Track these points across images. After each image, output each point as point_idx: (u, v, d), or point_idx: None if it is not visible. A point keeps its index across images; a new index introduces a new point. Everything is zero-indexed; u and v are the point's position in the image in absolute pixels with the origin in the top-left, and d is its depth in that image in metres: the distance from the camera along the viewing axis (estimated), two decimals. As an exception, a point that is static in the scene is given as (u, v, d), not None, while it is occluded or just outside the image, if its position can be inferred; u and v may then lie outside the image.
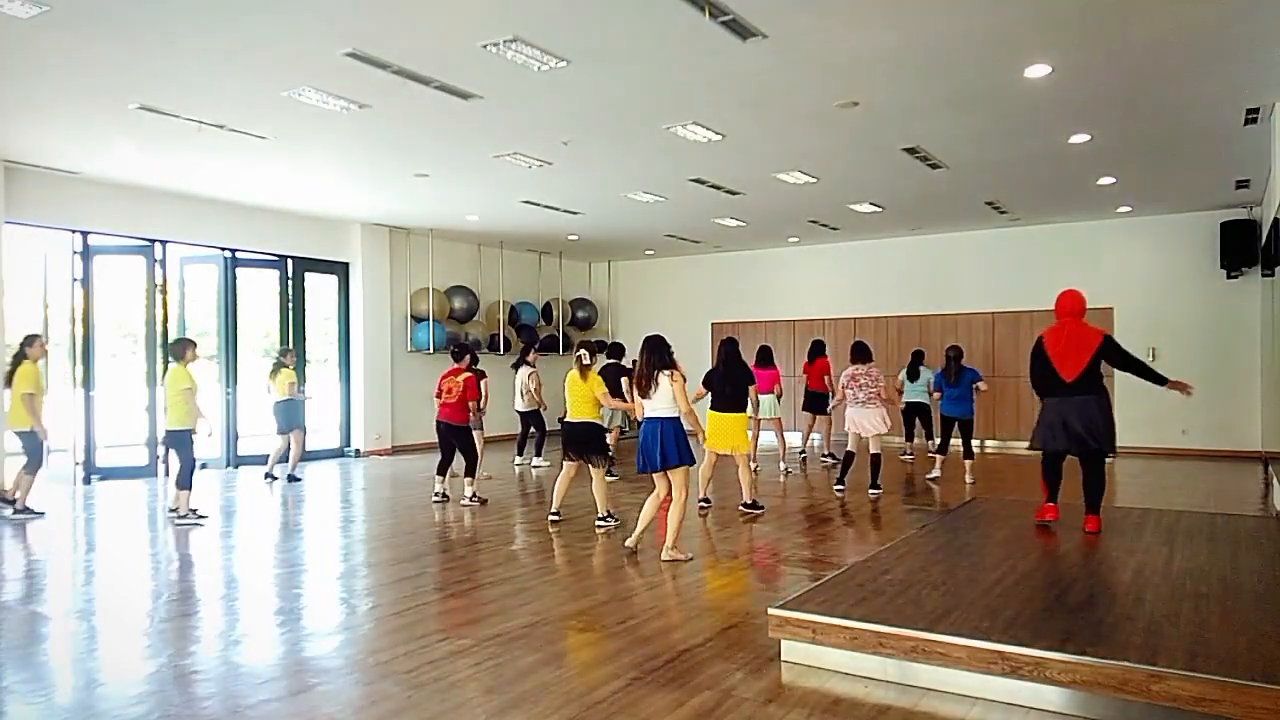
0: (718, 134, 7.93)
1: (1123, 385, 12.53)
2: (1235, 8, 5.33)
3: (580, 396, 7.24)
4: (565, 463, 7.46)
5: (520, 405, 10.99)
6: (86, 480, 10.02)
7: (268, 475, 10.29)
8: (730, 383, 7.85)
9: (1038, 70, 6.35)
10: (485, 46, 5.79)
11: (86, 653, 4.32)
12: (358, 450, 12.76)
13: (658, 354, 6.05)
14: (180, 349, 7.83)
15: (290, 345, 11.52)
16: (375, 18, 5.37)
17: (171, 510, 7.71)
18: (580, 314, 16.21)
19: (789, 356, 15.03)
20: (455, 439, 8.47)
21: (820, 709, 3.43)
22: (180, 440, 7.64)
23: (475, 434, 8.76)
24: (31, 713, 3.56)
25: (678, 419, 6.05)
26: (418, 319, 13.52)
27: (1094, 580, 4.50)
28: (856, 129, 7.88)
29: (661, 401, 6.02)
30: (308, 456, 12.25)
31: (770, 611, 4.03)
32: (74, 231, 10.01)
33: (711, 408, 7.92)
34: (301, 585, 5.61)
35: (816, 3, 5.20)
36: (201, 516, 7.64)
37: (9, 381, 7.95)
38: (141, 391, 10.59)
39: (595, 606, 4.92)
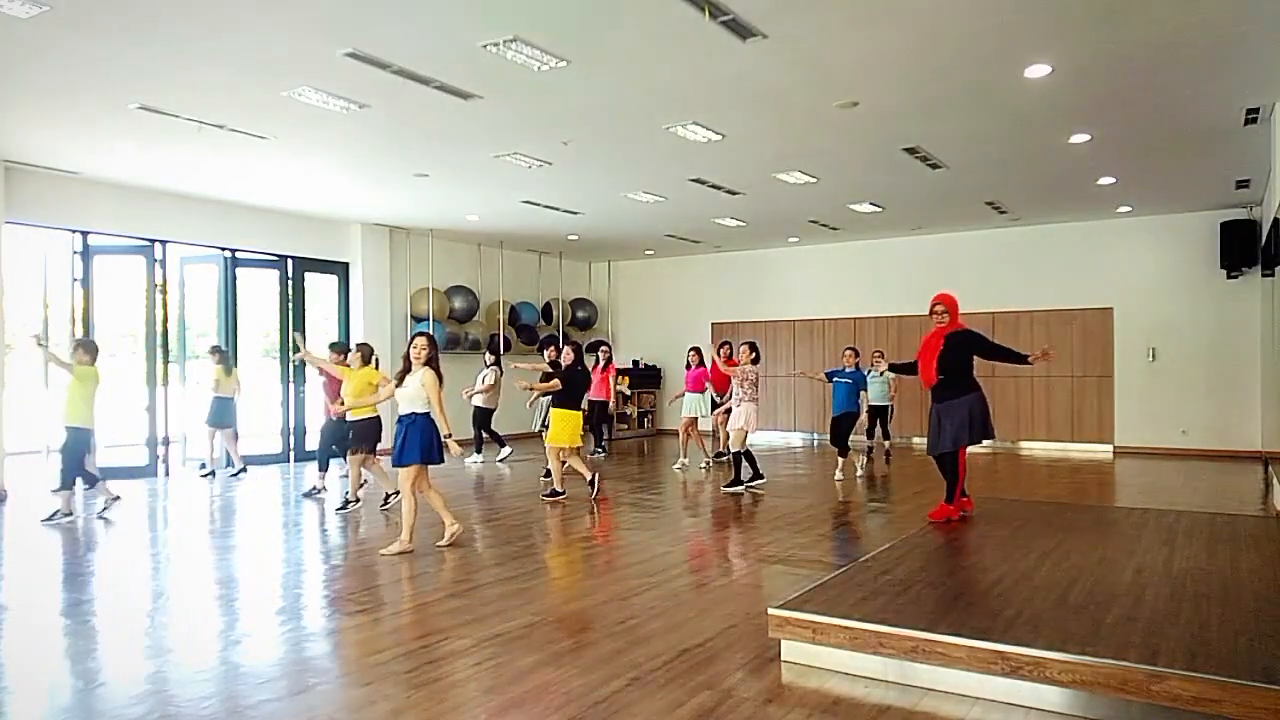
0: (718, 134, 7.93)
1: (1122, 384, 12.55)
2: (1235, 8, 5.33)
3: (360, 395, 7.87)
4: (359, 454, 8.10)
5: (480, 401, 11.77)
6: (88, 482, 9.99)
7: (208, 473, 10.51)
8: (570, 383, 8.58)
9: (1038, 70, 6.35)
10: (485, 46, 5.79)
11: (86, 653, 4.32)
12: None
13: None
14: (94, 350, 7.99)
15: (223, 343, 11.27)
16: (375, 18, 5.37)
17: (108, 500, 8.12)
18: (580, 314, 16.22)
19: (789, 356, 15.04)
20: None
21: (820, 709, 3.43)
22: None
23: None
24: (32, 713, 3.56)
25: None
26: (418, 319, 13.52)
27: (1094, 580, 4.50)
28: (856, 129, 7.88)
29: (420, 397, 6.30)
30: (308, 456, 12.27)
31: (770, 611, 4.03)
32: (74, 231, 10.01)
33: (554, 405, 8.64)
34: (301, 585, 5.61)
35: (816, 3, 5.20)
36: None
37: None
38: (141, 391, 10.60)
39: (595, 606, 4.92)
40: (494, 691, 3.65)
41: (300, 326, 12.16)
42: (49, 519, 7.70)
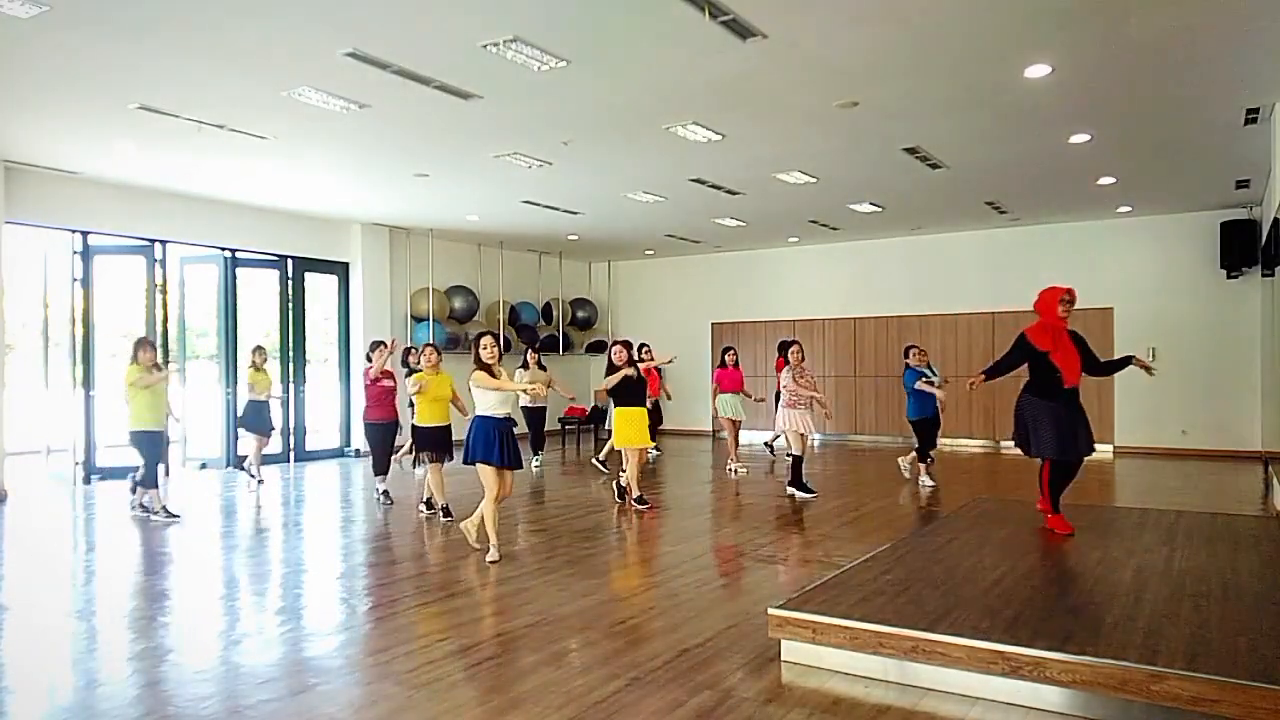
0: (718, 134, 7.93)
1: (1122, 384, 12.55)
2: (1235, 8, 5.33)
3: (436, 400, 7.58)
4: (430, 463, 7.67)
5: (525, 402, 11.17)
6: (86, 480, 10.02)
7: (250, 475, 10.17)
8: (629, 380, 8.20)
9: (1038, 70, 6.35)
10: (485, 46, 5.79)
11: (87, 653, 4.32)
12: (357, 450, 12.74)
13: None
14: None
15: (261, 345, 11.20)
16: (375, 18, 5.37)
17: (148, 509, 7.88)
18: (580, 314, 16.22)
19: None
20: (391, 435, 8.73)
21: (820, 709, 3.43)
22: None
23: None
24: (32, 713, 3.56)
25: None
26: (418, 319, 13.52)
27: (1094, 580, 4.50)
28: (856, 129, 7.88)
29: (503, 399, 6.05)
30: (308, 456, 12.29)
31: (770, 611, 4.03)
32: (74, 231, 10.01)
33: (616, 405, 8.29)
34: (301, 585, 5.61)
35: (816, 3, 5.20)
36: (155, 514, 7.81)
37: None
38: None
39: (595, 606, 4.92)
40: (494, 691, 3.65)
41: (302, 328, 12.18)
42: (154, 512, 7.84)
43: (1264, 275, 10.54)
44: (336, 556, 6.48)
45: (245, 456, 10.38)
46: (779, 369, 11.31)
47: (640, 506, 8.04)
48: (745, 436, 12.37)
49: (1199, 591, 4.23)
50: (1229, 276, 11.69)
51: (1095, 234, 12.70)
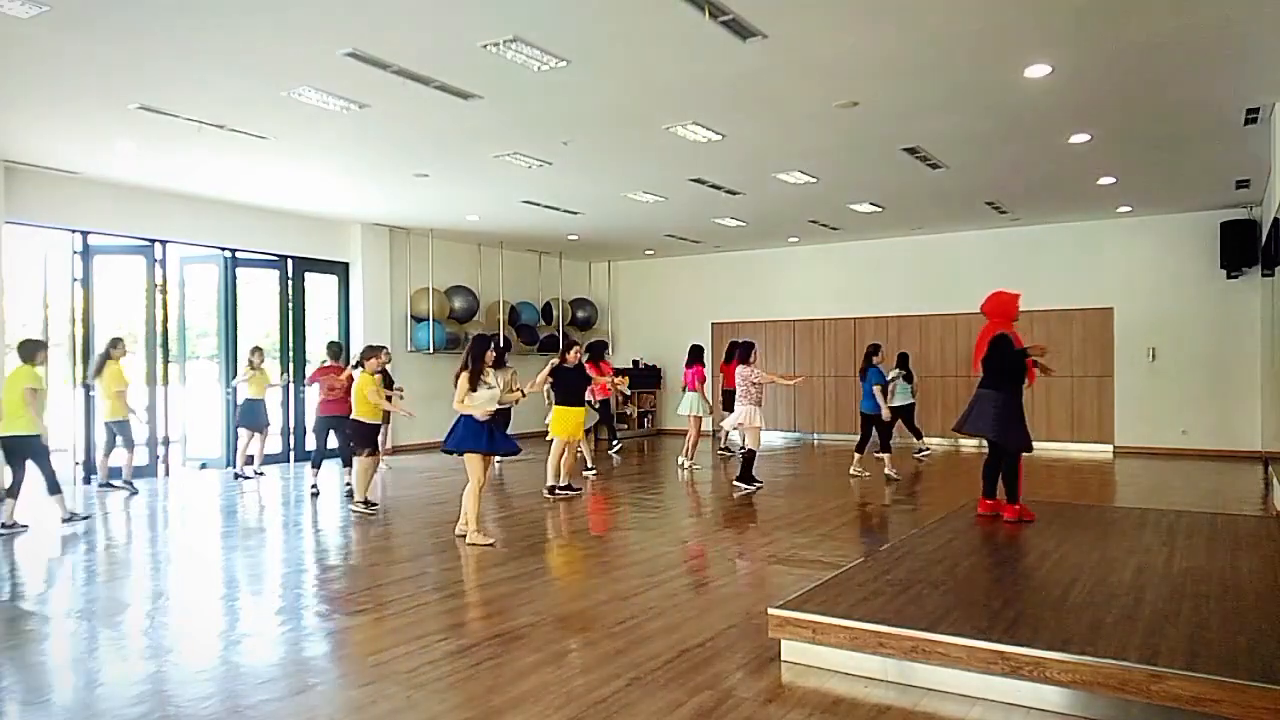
0: (718, 134, 7.92)
1: (1122, 384, 12.55)
2: (1235, 8, 5.33)
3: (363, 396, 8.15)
4: (364, 455, 8.17)
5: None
6: (86, 480, 10.00)
7: (256, 473, 10.37)
8: (571, 381, 8.90)
9: (1038, 70, 6.35)
10: (485, 46, 5.79)
11: (86, 653, 4.32)
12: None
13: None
14: (31, 350, 7.51)
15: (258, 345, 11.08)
16: (375, 18, 5.37)
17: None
18: (580, 314, 16.22)
19: (789, 356, 15.04)
20: (339, 429, 9.19)
21: (820, 709, 3.43)
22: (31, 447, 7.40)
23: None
24: (31, 713, 3.56)
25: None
26: (418, 319, 13.52)
27: (1094, 580, 4.50)
28: (856, 129, 7.87)
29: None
30: (307, 456, 12.27)
31: (770, 611, 4.03)
32: (74, 231, 10.00)
33: (556, 402, 8.95)
34: (301, 585, 5.61)
35: (816, 3, 5.20)
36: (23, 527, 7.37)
37: (99, 375, 9.19)
38: (141, 391, 10.59)
39: (595, 606, 4.92)
40: (494, 691, 3.65)
41: (302, 328, 12.18)
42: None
43: (1264, 275, 10.53)
44: (335, 556, 6.48)
45: (251, 457, 10.45)
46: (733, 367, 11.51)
47: (564, 493, 8.61)
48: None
49: (1199, 591, 4.24)
50: (1229, 276, 11.68)
51: (1095, 234, 12.69)
